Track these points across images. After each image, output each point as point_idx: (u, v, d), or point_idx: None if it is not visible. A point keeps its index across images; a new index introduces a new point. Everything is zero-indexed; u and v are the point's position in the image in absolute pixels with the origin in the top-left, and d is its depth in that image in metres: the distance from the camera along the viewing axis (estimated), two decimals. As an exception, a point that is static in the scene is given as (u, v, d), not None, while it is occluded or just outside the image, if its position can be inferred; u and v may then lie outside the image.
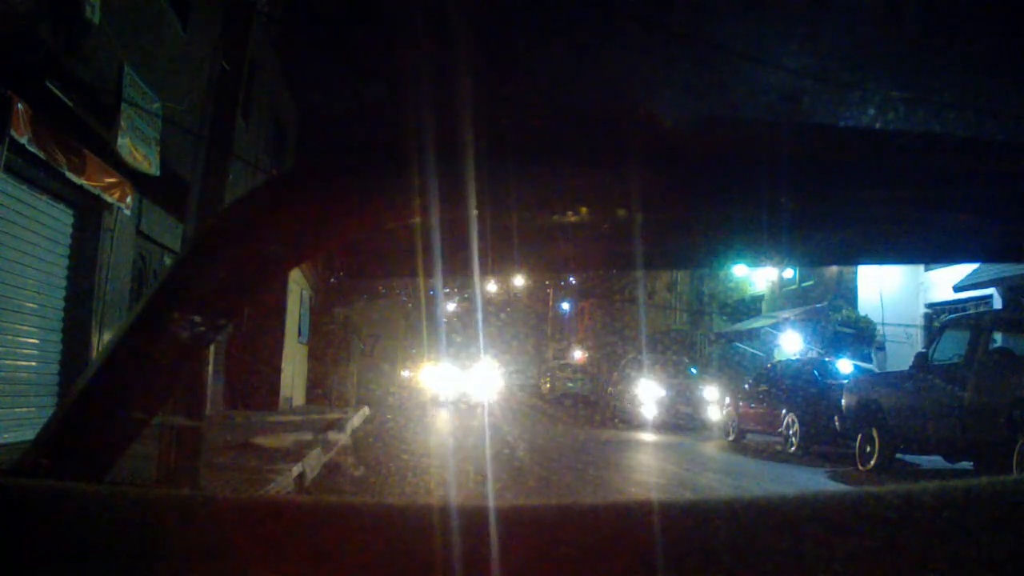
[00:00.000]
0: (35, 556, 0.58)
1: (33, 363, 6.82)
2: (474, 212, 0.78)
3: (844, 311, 16.87)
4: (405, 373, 25.78)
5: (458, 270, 0.92)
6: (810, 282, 19.60)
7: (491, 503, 0.59)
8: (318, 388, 17.22)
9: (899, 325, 16.03)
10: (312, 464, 7.02)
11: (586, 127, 0.79)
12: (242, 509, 0.62)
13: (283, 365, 14.04)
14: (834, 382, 10.83)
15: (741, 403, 12.50)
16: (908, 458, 8.98)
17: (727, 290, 23.50)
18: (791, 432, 10.54)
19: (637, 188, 0.82)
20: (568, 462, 9.04)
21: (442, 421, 15.32)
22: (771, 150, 0.75)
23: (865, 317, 16.71)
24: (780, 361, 14.66)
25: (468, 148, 0.75)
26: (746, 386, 13.34)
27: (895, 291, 16.49)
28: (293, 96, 16.79)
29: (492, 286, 32.15)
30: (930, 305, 16.11)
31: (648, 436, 13.38)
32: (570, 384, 24.78)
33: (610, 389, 18.70)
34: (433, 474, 6.60)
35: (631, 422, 15.45)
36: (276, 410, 13.17)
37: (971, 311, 12.42)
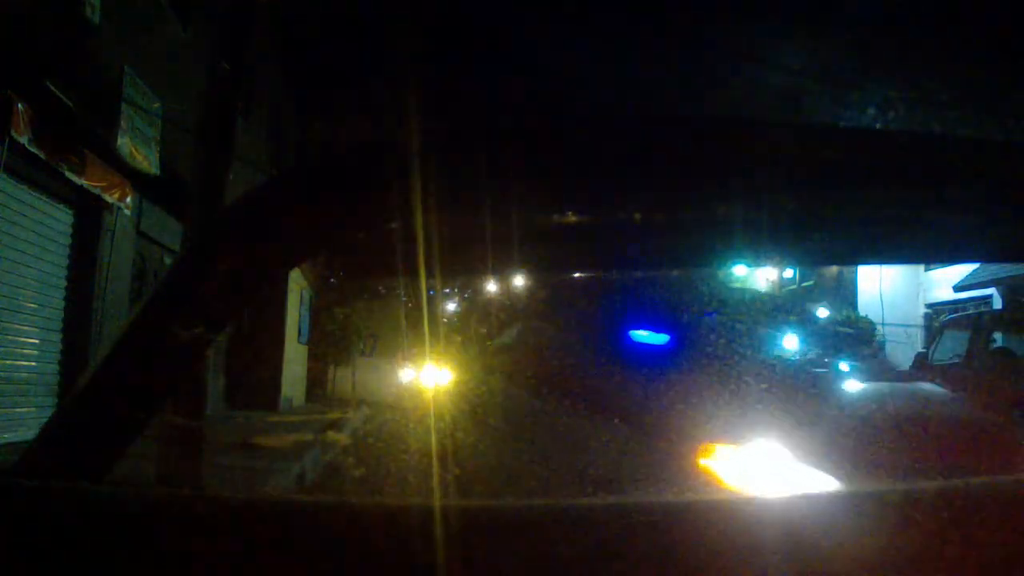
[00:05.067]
0: (35, 556, 0.58)
1: (33, 363, 6.82)
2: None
3: (844, 311, 16.87)
4: (405, 374, 25.61)
5: (458, 270, 0.92)
6: (810, 282, 19.60)
7: (492, 503, 0.59)
8: (318, 388, 17.21)
9: (899, 325, 16.02)
10: (312, 464, 7.02)
11: (586, 127, 0.79)
12: (242, 509, 0.62)
13: (283, 365, 14.03)
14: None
15: (741, 403, 12.46)
16: (908, 458, 8.96)
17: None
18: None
19: (638, 189, 0.82)
20: (567, 461, 9.02)
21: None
22: (771, 150, 0.75)
23: (865, 317, 16.70)
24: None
25: (467, 149, 0.75)
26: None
27: (895, 291, 16.49)
28: (293, 96, 16.80)
29: (492, 286, 32.11)
30: (930, 305, 16.11)
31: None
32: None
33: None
34: (434, 474, 6.58)
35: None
36: (276, 410, 13.16)
37: (971, 311, 12.42)
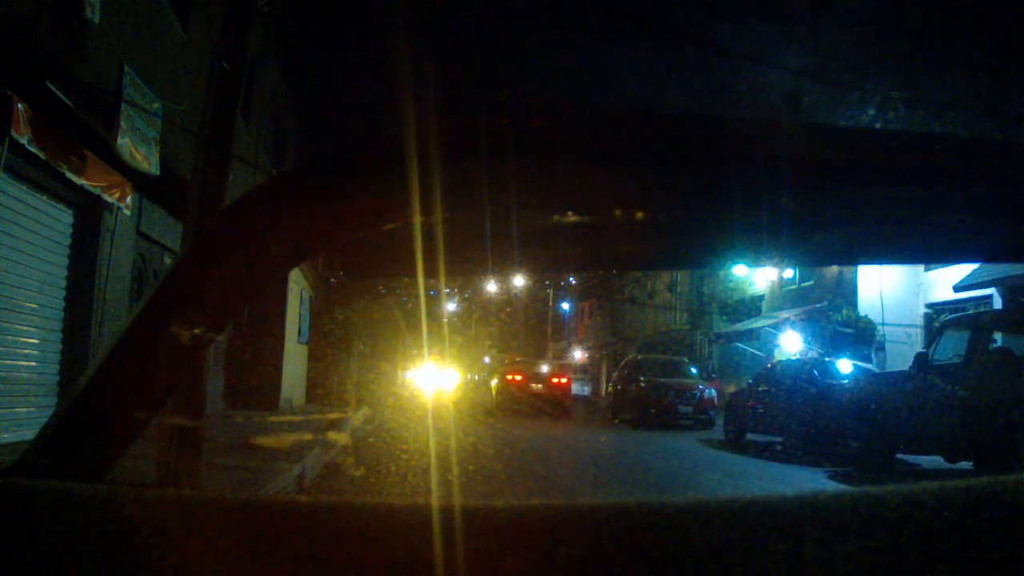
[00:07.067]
0: (35, 556, 0.58)
1: (33, 363, 6.82)
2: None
3: (844, 311, 16.88)
4: (405, 375, 25.73)
5: (458, 270, 0.92)
6: (810, 282, 19.61)
7: (492, 503, 0.59)
8: (318, 388, 17.23)
9: (899, 325, 16.03)
10: (312, 464, 7.02)
11: (587, 127, 0.79)
12: (242, 509, 0.62)
13: (283, 365, 14.03)
14: (834, 382, 10.82)
15: (741, 403, 12.50)
16: (908, 458, 8.98)
17: (727, 290, 23.51)
18: (791, 432, 10.53)
19: (637, 188, 0.82)
20: (568, 462, 9.05)
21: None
22: (771, 150, 0.75)
23: (865, 317, 16.71)
24: (780, 361, 14.65)
25: (468, 148, 0.75)
26: (746, 386, 13.33)
27: (895, 291, 16.49)
28: (293, 96, 16.80)
29: (492, 286, 32.17)
30: (930, 305, 16.11)
31: (648, 436, 13.39)
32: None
33: (610, 389, 18.73)
34: (434, 474, 6.59)
35: (631, 422, 15.46)
36: (276, 410, 13.17)
37: (971, 311, 12.42)
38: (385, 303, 21.47)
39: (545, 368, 20.35)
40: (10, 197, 6.17)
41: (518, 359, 22.65)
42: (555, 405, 18.06)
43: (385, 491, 5.45)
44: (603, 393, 21.28)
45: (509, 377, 18.90)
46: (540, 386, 18.65)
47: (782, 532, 0.54)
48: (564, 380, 19.34)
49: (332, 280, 17.31)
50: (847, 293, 17.74)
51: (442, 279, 0.89)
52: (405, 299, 21.34)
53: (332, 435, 9.45)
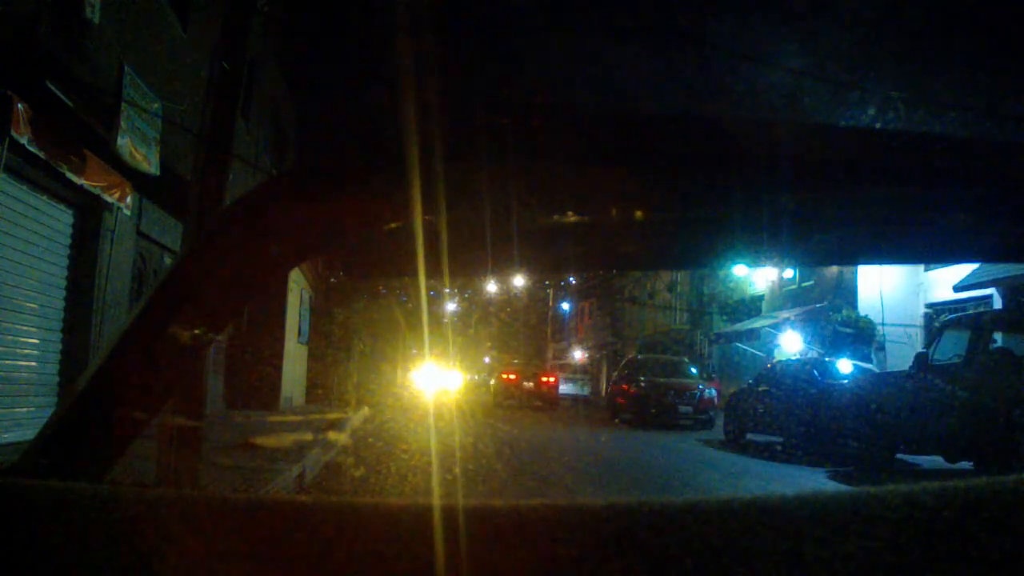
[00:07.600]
0: (35, 556, 0.58)
1: (33, 363, 6.82)
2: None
3: (844, 311, 16.87)
4: (406, 374, 25.74)
5: (459, 270, 0.92)
6: (810, 282, 19.61)
7: (492, 503, 0.59)
8: (318, 388, 17.22)
9: (899, 325, 16.03)
10: (312, 464, 7.02)
11: (587, 127, 0.79)
12: (242, 509, 0.62)
13: (283, 365, 14.03)
14: (834, 382, 10.82)
15: (741, 403, 12.50)
16: (908, 458, 8.98)
17: (727, 290, 23.50)
18: (791, 432, 10.53)
19: (637, 188, 0.82)
20: (568, 461, 9.05)
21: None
22: (771, 150, 0.75)
23: (865, 317, 16.70)
24: (780, 361, 14.64)
25: (468, 148, 0.75)
26: (746, 386, 13.33)
27: (895, 291, 16.49)
28: (293, 97, 16.80)
29: (492, 286, 32.20)
30: (930, 305, 16.11)
31: (648, 436, 13.39)
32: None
33: (611, 389, 18.79)
34: (434, 474, 6.59)
35: (631, 422, 15.46)
36: (276, 410, 13.16)
37: (971, 311, 12.42)
38: (385, 303, 21.48)
39: (536, 368, 24.12)
40: (10, 197, 6.17)
41: (514, 360, 25.84)
42: (544, 400, 21.28)
43: (385, 491, 5.45)
44: (603, 393, 22.37)
45: (505, 376, 22.60)
46: (531, 384, 21.93)
47: (782, 532, 0.54)
48: (552, 379, 22.73)
49: (332, 280, 17.32)
50: (847, 293, 17.73)
51: (445, 279, 0.89)
52: (405, 299, 21.37)
53: (332, 435, 9.45)
